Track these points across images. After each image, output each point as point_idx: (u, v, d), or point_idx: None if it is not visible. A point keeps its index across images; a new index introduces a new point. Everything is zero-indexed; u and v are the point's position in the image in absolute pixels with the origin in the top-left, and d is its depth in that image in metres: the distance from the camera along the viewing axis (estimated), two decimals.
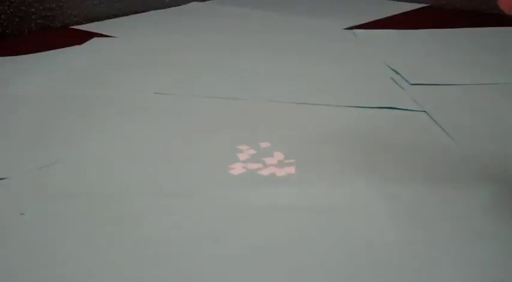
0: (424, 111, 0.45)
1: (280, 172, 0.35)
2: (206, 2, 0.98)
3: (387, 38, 0.70)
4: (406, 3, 0.94)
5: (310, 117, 0.44)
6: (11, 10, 0.73)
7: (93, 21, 0.82)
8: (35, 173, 0.35)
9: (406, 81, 0.52)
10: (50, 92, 0.50)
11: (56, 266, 0.26)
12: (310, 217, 0.30)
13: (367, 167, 0.36)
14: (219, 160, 0.36)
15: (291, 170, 0.35)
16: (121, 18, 0.84)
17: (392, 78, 0.53)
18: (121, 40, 0.70)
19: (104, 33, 0.73)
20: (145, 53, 0.64)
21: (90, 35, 0.72)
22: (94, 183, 0.34)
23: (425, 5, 0.92)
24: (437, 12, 0.89)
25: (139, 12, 0.88)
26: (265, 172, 0.35)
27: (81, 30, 0.77)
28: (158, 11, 0.90)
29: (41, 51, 0.64)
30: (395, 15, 0.86)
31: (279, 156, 0.37)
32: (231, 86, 0.52)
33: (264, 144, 0.39)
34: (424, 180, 0.34)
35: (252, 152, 0.38)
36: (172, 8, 0.93)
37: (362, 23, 0.80)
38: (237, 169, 0.35)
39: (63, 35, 0.75)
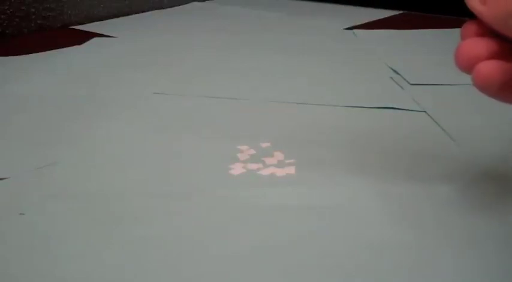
0: (424, 111, 0.45)
1: (280, 172, 0.35)
2: (206, 2, 0.98)
3: (387, 38, 0.70)
4: None
5: (310, 117, 0.44)
6: (11, 10, 0.73)
7: (93, 21, 0.82)
8: (35, 173, 0.35)
9: (406, 81, 0.52)
10: (49, 92, 0.50)
11: (56, 266, 0.26)
12: (310, 217, 0.30)
13: (367, 167, 0.36)
14: (219, 160, 0.36)
15: (291, 170, 0.35)
16: (121, 18, 0.85)
17: (392, 78, 0.53)
18: (121, 40, 0.70)
19: (104, 33, 0.73)
20: (145, 53, 0.64)
21: (90, 35, 0.72)
22: (94, 183, 0.34)
23: None
24: None
25: (139, 12, 0.88)
26: (265, 172, 0.35)
27: (81, 30, 0.77)
28: (158, 11, 0.90)
29: (41, 51, 0.64)
30: (396, 15, 0.86)
31: (279, 156, 0.37)
32: (231, 85, 0.52)
33: (264, 144, 0.39)
34: (423, 181, 0.34)
35: (252, 152, 0.38)
36: (172, 8, 0.93)
37: (362, 23, 0.80)
38: (237, 169, 0.35)
39: (63, 35, 0.75)
